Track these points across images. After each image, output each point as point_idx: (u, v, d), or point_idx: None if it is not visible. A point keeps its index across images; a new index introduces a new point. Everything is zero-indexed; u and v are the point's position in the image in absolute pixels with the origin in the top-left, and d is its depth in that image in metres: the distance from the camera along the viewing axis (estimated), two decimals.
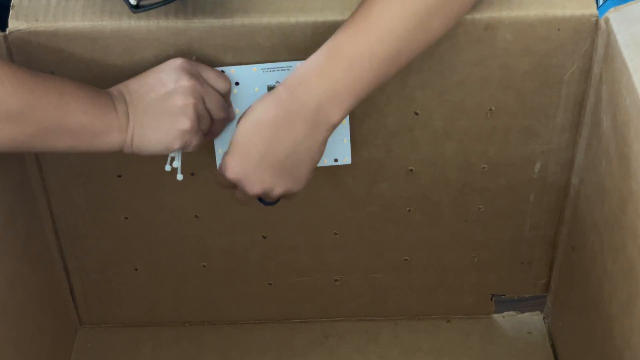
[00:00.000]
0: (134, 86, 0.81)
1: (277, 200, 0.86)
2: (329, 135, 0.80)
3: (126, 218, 1.01)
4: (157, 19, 0.84)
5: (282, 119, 0.79)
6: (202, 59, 0.86)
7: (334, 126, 0.80)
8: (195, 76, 0.82)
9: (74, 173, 0.96)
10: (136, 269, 1.06)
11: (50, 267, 1.03)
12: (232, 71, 0.86)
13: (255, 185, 0.82)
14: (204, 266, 1.06)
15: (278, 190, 0.83)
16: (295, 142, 0.80)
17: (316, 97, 0.78)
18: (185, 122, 0.80)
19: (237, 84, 0.86)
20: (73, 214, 1.00)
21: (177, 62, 0.82)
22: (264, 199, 0.85)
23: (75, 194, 0.98)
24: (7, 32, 0.84)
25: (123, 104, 0.81)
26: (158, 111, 0.80)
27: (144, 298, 1.09)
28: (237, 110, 0.88)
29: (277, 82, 0.85)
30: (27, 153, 0.93)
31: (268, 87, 0.86)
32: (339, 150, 0.91)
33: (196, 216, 1.00)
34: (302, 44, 0.85)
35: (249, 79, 0.86)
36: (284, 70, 0.86)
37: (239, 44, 0.85)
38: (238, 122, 0.81)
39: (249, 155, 0.81)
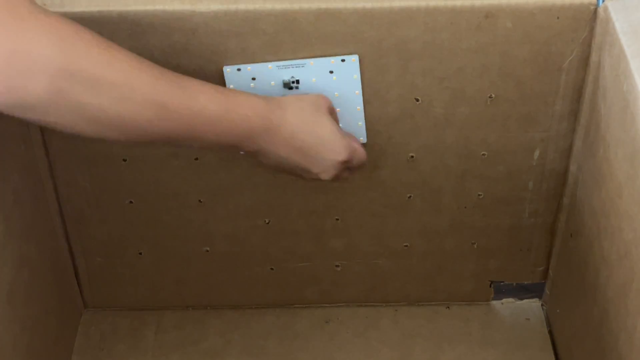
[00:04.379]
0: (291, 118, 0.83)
1: None
2: None
3: (130, 202, 1.02)
4: (162, 5, 0.85)
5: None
6: (206, 44, 0.87)
7: None
8: (339, 174, 0.88)
9: (79, 156, 0.98)
10: (140, 253, 1.07)
11: (56, 249, 1.04)
12: (249, 69, 0.89)
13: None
14: (207, 251, 1.07)
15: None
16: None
17: None
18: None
19: (253, 79, 0.89)
20: (78, 197, 1.01)
21: (338, 160, 0.86)
22: None
23: (81, 178, 1.00)
24: None
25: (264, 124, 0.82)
26: (288, 168, 0.86)
27: (147, 282, 1.11)
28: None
29: (292, 77, 0.89)
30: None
31: (283, 82, 0.89)
32: (356, 133, 0.94)
33: (200, 201, 1.02)
34: (305, 30, 0.86)
35: (264, 75, 0.89)
36: (298, 67, 0.88)
37: (243, 29, 0.86)
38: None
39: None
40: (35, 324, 0.97)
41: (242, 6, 0.85)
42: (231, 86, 0.90)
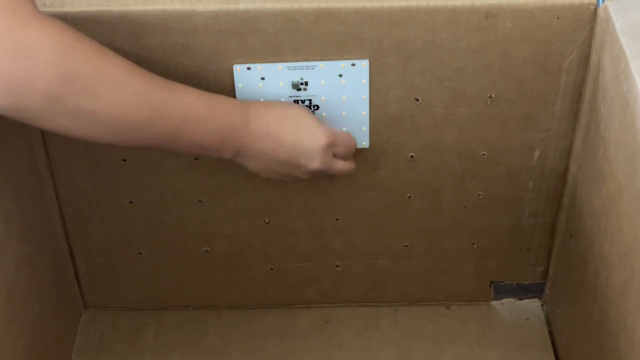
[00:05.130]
0: (263, 128, 0.86)
1: None
2: None
3: (131, 202, 1.02)
4: (162, 5, 0.85)
5: None
6: (206, 44, 0.87)
7: None
8: (328, 162, 0.89)
9: (79, 157, 0.98)
10: (140, 253, 1.07)
11: (56, 249, 1.04)
12: (259, 68, 0.89)
13: None
14: (207, 251, 1.07)
15: None
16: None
17: None
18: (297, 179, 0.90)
19: (262, 79, 0.89)
20: (78, 198, 1.01)
21: (320, 145, 0.88)
22: None
23: (81, 178, 1.00)
24: None
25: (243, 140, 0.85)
26: (276, 167, 0.88)
27: (147, 282, 1.11)
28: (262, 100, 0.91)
29: (302, 78, 0.89)
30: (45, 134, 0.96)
31: (292, 83, 0.89)
32: (359, 137, 0.95)
33: (200, 201, 1.02)
34: (305, 30, 0.86)
35: (274, 75, 0.89)
36: (308, 69, 0.89)
37: (243, 29, 0.86)
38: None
39: None
40: (35, 324, 0.97)
41: (242, 6, 0.85)
42: (240, 85, 0.90)
